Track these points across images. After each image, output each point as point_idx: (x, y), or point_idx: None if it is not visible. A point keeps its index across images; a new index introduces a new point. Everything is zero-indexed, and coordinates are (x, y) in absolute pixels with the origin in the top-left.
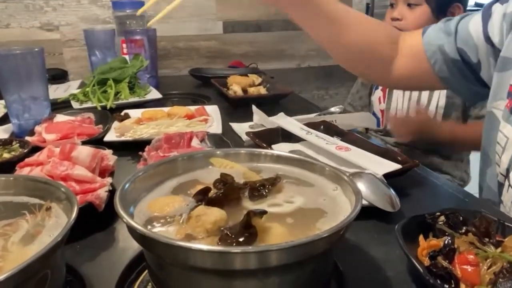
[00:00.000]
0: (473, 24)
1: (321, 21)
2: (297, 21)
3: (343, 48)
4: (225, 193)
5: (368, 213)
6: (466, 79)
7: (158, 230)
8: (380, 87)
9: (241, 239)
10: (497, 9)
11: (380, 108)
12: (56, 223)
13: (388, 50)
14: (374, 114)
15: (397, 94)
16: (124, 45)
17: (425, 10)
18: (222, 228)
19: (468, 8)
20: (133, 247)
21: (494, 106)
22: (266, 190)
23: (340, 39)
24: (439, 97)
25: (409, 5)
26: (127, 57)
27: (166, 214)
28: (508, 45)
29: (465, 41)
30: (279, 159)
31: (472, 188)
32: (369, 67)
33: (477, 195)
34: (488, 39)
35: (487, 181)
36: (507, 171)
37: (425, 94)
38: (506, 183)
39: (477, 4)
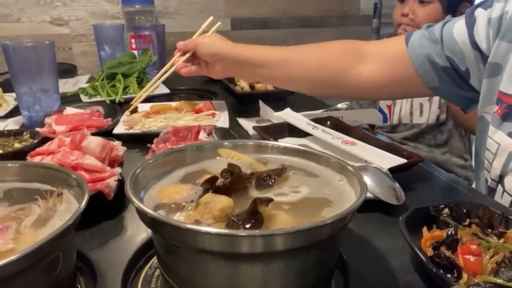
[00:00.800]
0: (457, 30)
1: (268, 71)
2: (246, 79)
3: (299, 80)
4: (232, 182)
5: (373, 205)
6: (457, 85)
7: (167, 215)
8: None
9: (247, 225)
10: (481, 14)
11: (387, 103)
12: (67, 208)
13: (342, 63)
14: (380, 110)
15: None
16: (133, 41)
17: (436, 7)
18: (229, 215)
19: None
20: (141, 235)
21: (484, 111)
22: (273, 180)
23: (292, 76)
24: (433, 100)
25: (420, 1)
26: (135, 52)
27: (175, 201)
28: (495, 50)
29: (452, 49)
30: (285, 150)
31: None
32: (333, 87)
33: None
34: (475, 45)
35: (480, 184)
36: (500, 177)
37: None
38: (499, 189)
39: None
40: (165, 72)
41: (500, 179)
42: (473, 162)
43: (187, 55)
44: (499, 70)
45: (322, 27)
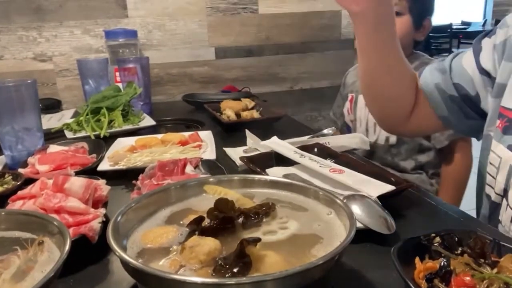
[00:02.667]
0: (466, 59)
1: (390, 44)
2: (361, 42)
3: (378, 91)
4: (219, 223)
5: (363, 235)
6: (466, 115)
7: (152, 262)
8: (348, 98)
9: (235, 270)
10: (486, 42)
11: (350, 118)
12: (48, 258)
13: (410, 100)
14: (346, 124)
15: (360, 104)
16: (117, 74)
17: (407, 20)
18: (216, 259)
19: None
20: (127, 279)
21: (491, 129)
22: (260, 218)
23: (382, 82)
24: None
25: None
26: (120, 85)
27: (160, 246)
28: (501, 72)
29: (461, 76)
30: (272, 184)
31: (464, 206)
32: (392, 114)
33: (469, 213)
34: (482, 70)
35: (481, 205)
36: (505, 191)
37: None
38: (504, 203)
39: (463, 23)
40: None
41: (505, 192)
42: None
43: None
44: (503, 89)
45: (305, 53)
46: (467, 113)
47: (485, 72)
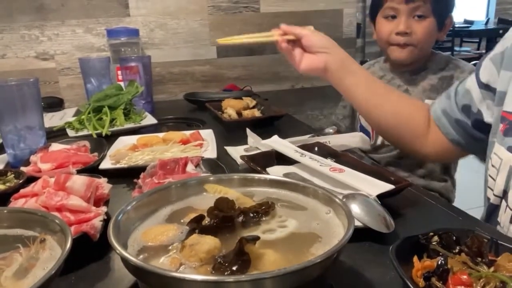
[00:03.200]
0: (469, 81)
1: (362, 90)
2: (340, 89)
3: (381, 118)
4: (219, 222)
5: (363, 234)
6: (474, 138)
7: (152, 260)
8: None
9: (234, 267)
10: (485, 58)
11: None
12: (50, 255)
13: (420, 123)
14: (362, 129)
15: None
16: (119, 72)
17: (432, 22)
18: (216, 257)
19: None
20: (128, 277)
21: (494, 137)
22: (260, 217)
23: (380, 109)
24: None
25: (416, 16)
26: (122, 83)
27: (160, 244)
28: (501, 81)
29: (464, 97)
30: (272, 183)
31: (463, 205)
32: (404, 139)
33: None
34: (482, 84)
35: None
36: (504, 192)
37: None
38: (503, 204)
39: (466, 21)
40: (263, 36)
41: (504, 194)
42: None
43: (288, 37)
44: (504, 96)
45: None
46: (473, 134)
47: (484, 86)
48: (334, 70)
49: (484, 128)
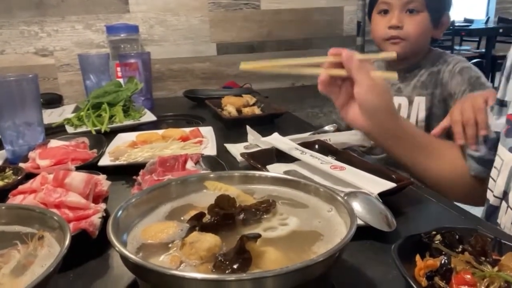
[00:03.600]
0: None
1: (416, 152)
2: (381, 146)
3: (426, 174)
4: (219, 220)
5: (364, 233)
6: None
7: (152, 257)
8: None
9: (235, 266)
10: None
11: None
12: (48, 252)
13: (463, 186)
14: None
15: None
16: (119, 69)
17: (425, 17)
18: (216, 255)
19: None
20: (127, 274)
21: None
22: (260, 215)
23: (432, 169)
24: (418, 110)
25: (408, 11)
26: (121, 80)
27: (160, 241)
28: (508, 92)
29: None
30: (273, 180)
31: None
32: (456, 191)
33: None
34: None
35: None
36: (504, 193)
37: (404, 108)
38: (503, 205)
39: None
40: (303, 65)
41: (505, 195)
42: None
43: (337, 71)
44: (509, 104)
45: (307, 49)
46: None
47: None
48: (376, 135)
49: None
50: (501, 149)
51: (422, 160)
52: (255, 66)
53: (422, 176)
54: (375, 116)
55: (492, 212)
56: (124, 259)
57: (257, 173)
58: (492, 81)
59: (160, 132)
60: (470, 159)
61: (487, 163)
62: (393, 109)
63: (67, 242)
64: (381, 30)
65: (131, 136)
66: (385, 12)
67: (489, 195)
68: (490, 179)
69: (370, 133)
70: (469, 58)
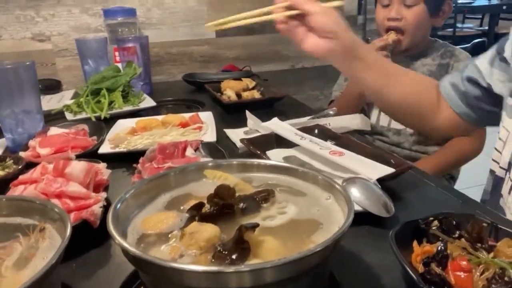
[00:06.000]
0: (480, 57)
1: (370, 73)
2: (346, 73)
3: (391, 99)
4: (218, 210)
5: (362, 218)
6: (485, 111)
7: (152, 249)
8: None
9: (234, 256)
10: None
11: (365, 101)
12: (50, 244)
13: (430, 100)
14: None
15: None
16: (117, 53)
17: (422, 9)
18: (216, 245)
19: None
20: (129, 263)
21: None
22: (259, 204)
23: (389, 90)
24: None
25: (406, 4)
26: (120, 65)
27: (160, 232)
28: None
29: (472, 71)
30: (271, 168)
31: (464, 183)
32: (415, 118)
33: (466, 191)
34: (503, 58)
35: (487, 179)
36: (509, 164)
37: None
38: (507, 177)
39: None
40: (259, 15)
41: (509, 166)
42: None
43: (291, 12)
44: None
45: None
46: (483, 107)
47: (502, 62)
48: (340, 56)
49: (492, 99)
50: (507, 120)
51: (386, 79)
52: (219, 23)
53: (387, 98)
54: (335, 35)
55: (498, 182)
56: (125, 251)
57: (256, 161)
58: None
59: (160, 118)
60: (453, 91)
61: (469, 99)
62: (348, 27)
63: (67, 234)
64: (382, 21)
65: (131, 122)
66: (387, 5)
67: (495, 166)
68: (495, 151)
69: (333, 55)
70: (472, 37)
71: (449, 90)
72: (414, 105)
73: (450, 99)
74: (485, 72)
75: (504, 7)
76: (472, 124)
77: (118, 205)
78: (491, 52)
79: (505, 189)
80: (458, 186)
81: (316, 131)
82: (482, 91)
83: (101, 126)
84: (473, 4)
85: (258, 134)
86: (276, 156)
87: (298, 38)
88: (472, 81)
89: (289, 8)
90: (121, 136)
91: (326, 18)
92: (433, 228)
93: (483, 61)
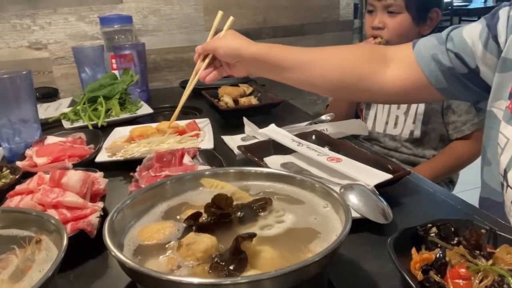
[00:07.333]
0: (468, 32)
1: (288, 74)
2: (277, 79)
3: (321, 84)
4: (216, 219)
5: (361, 225)
6: (465, 87)
7: (149, 260)
8: None
9: (231, 267)
10: (504, 11)
11: (360, 107)
12: (46, 256)
13: (367, 68)
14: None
15: None
16: (114, 61)
17: (405, 17)
18: (213, 256)
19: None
20: None
21: (494, 105)
22: (256, 212)
23: (314, 79)
24: (418, 104)
25: (389, 12)
26: (116, 72)
27: (157, 242)
28: (509, 46)
29: (461, 47)
30: (268, 176)
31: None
32: (356, 91)
33: (465, 193)
34: (495, 38)
35: (484, 179)
36: (505, 171)
37: None
38: (505, 184)
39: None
40: (192, 83)
41: (505, 174)
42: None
43: (207, 60)
44: (511, 65)
45: (304, 35)
46: (466, 85)
47: (496, 41)
48: (254, 68)
49: (477, 81)
50: (506, 127)
51: (308, 58)
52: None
53: (317, 75)
54: (238, 58)
55: (501, 186)
56: (121, 264)
57: (253, 169)
58: None
59: (154, 125)
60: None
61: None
62: (249, 41)
63: (64, 246)
64: (368, 28)
65: (128, 130)
66: (370, 12)
67: (498, 170)
68: (497, 155)
69: (253, 71)
70: None
71: (428, 62)
72: (347, 75)
73: (431, 73)
74: (477, 53)
75: None
76: (444, 95)
77: (115, 216)
78: (481, 29)
79: (506, 197)
80: (457, 188)
81: (313, 137)
82: (469, 70)
83: (98, 134)
84: (469, 7)
85: (255, 140)
86: (273, 162)
87: (225, 72)
88: (459, 57)
89: (204, 57)
90: (118, 144)
91: (223, 49)
92: (432, 235)
93: (477, 43)
